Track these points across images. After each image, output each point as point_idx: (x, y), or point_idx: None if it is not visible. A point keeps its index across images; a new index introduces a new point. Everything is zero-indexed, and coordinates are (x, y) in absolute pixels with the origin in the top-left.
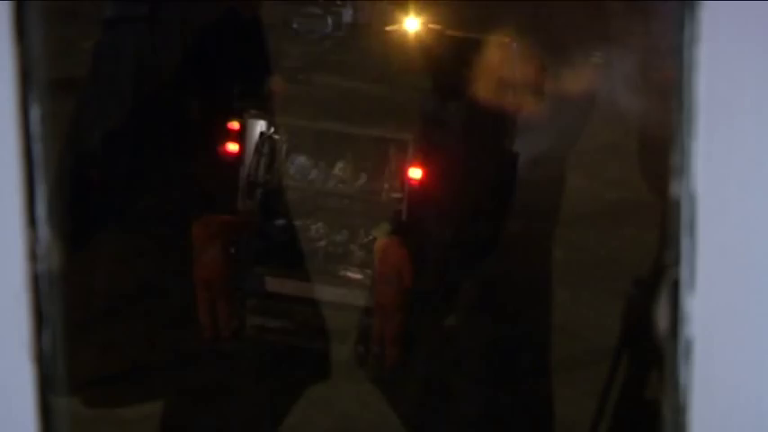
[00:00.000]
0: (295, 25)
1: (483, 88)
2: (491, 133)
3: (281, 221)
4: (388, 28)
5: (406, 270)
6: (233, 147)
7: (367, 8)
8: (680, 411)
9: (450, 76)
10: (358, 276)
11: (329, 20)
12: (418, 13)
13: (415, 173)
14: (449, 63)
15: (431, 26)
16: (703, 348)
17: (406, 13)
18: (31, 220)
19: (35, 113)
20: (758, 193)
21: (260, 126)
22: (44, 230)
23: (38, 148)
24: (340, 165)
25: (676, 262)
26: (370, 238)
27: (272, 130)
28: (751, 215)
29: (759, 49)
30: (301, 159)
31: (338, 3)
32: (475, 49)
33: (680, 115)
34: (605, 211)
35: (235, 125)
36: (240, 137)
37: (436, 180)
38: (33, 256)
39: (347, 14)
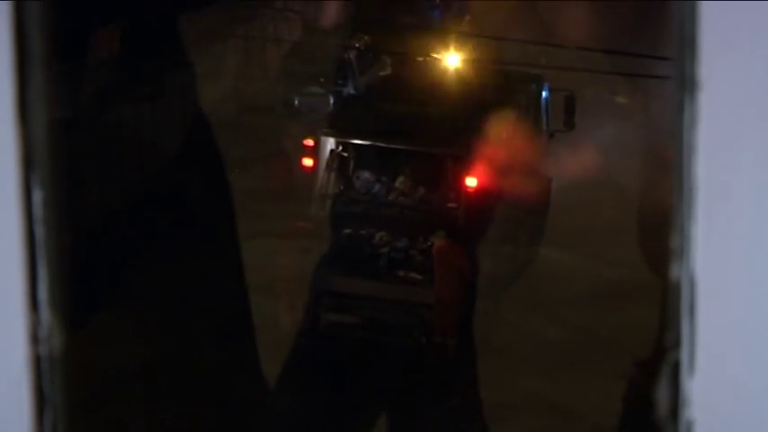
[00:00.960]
0: (296, 104)
1: (516, 117)
2: (529, 154)
3: (348, 230)
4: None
5: (464, 267)
6: (308, 161)
7: (422, 46)
8: None
9: (493, 104)
10: (418, 277)
11: (330, 99)
12: (459, 49)
13: (472, 182)
14: (492, 93)
15: (477, 61)
16: (704, 431)
17: (454, 49)
18: (33, 303)
19: (37, 196)
20: (757, 276)
21: (330, 144)
22: (46, 313)
23: (40, 231)
24: (400, 179)
25: (676, 344)
26: (429, 243)
27: (341, 148)
28: (750, 298)
29: (757, 133)
30: (366, 174)
31: (339, 82)
32: (511, 82)
33: (680, 198)
34: (605, 290)
35: (310, 142)
36: (315, 153)
37: (489, 189)
38: (35, 338)
39: (348, 90)
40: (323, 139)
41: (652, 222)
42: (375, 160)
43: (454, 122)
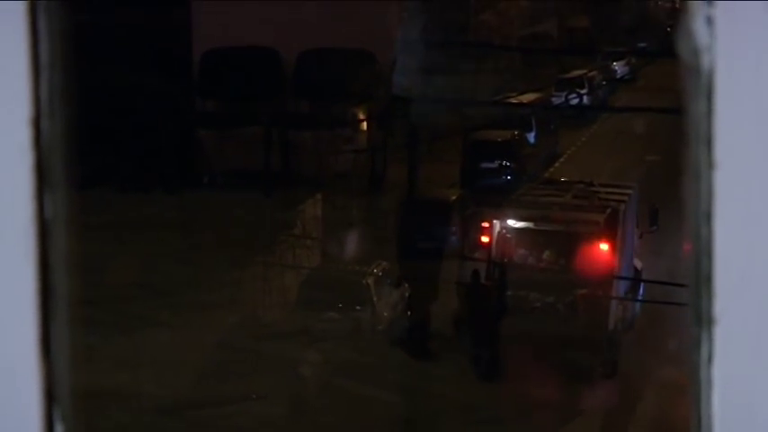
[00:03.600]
0: (316, 329)
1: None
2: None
3: (510, 292)
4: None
5: (603, 312)
6: (485, 238)
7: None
8: None
9: (607, 202)
10: (563, 322)
11: (346, 325)
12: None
13: (604, 247)
14: (603, 195)
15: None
16: None
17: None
18: None
19: (59, 430)
20: None
21: (497, 227)
22: None
23: None
24: (546, 252)
25: None
26: (570, 298)
27: (504, 230)
28: None
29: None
30: (522, 251)
31: (357, 308)
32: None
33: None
34: None
35: (486, 224)
36: (490, 232)
37: (614, 257)
38: None
39: (364, 319)
40: (494, 222)
41: None
42: (528, 239)
43: (583, 211)
